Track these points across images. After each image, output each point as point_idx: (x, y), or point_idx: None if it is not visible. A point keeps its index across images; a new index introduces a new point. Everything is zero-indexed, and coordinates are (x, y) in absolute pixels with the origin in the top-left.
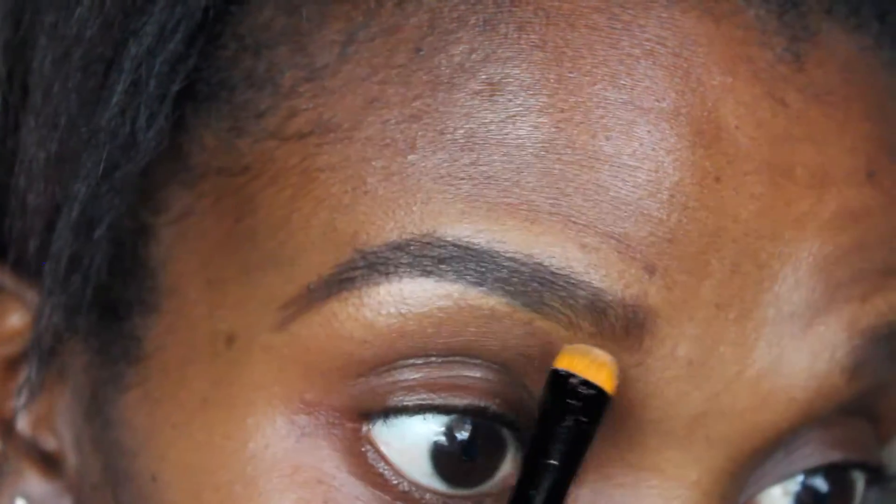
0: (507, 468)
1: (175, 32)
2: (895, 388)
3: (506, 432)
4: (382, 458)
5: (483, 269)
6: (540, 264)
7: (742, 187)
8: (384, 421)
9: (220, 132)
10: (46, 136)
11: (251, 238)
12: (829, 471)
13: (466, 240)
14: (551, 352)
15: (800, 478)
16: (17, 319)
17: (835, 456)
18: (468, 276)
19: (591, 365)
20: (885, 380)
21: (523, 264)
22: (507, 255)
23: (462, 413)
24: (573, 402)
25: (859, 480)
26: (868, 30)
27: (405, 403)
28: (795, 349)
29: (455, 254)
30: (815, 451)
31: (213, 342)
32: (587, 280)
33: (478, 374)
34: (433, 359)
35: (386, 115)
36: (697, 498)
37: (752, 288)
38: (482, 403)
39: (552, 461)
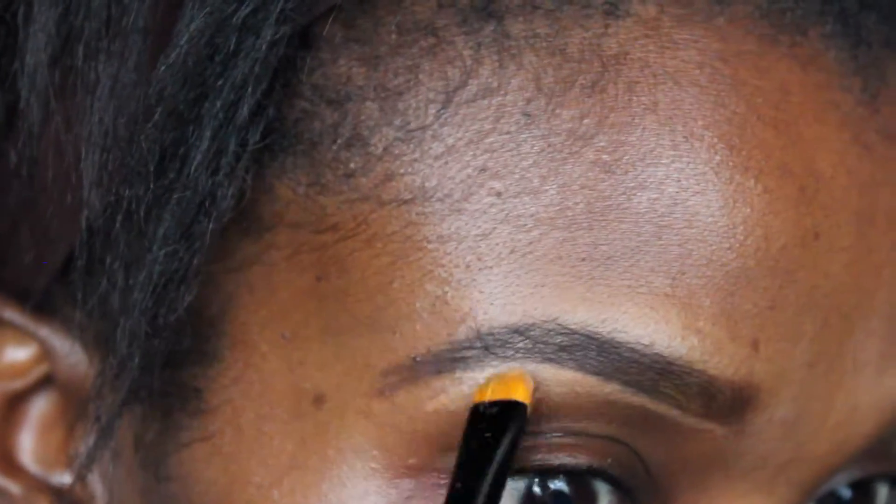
0: None
1: (257, 85)
2: None
3: (600, 485)
4: None
5: (603, 359)
6: (659, 355)
7: (836, 241)
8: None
9: (298, 186)
10: (114, 191)
11: (339, 298)
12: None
13: (590, 329)
14: (659, 426)
15: None
16: (23, 354)
17: (864, 470)
18: (587, 366)
19: (499, 386)
20: None
21: (643, 355)
22: (629, 345)
23: (583, 474)
24: (480, 425)
25: (883, 488)
26: None
27: (524, 464)
28: (867, 399)
29: (577, 342)
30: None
31: (297, 400)
32: (701, 368)
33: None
34: (548, 439)
35: (499, 187)
36: None
37: (836, 341)
38: (599, 465)
39: (459, 484)
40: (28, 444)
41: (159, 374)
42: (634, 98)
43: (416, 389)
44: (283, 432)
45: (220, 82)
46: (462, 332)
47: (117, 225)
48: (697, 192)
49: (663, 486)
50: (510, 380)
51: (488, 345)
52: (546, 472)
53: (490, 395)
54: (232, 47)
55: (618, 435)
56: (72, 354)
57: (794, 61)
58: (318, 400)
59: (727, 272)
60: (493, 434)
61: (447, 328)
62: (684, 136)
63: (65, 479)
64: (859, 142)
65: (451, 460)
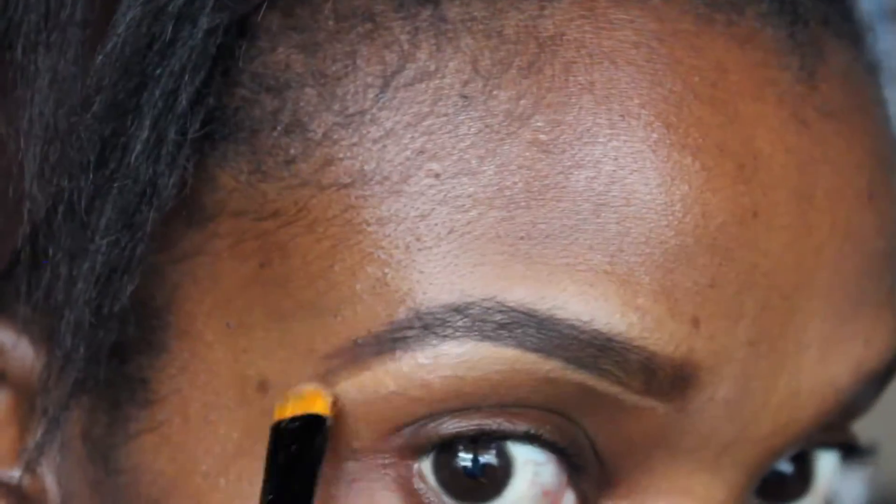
0: (521, 487)
1: (195, 73)
2: None
3: (512, 448)
4: (431, 490)
5: (543, 336)
6: (598, 331)
7: (774, 220)
8: (437, 457)
9: (239, 174)
10: (56, 183)
11: (282, 285)
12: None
13: (529, 306)
14: (599, 403)
15: None
16: None
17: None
18: (527, 343)
19: (298, 403)
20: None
21: (582, 332)
22: (568, 322)
23: (520, 438)
24: (283, 440)
25: (822, 458)
26: (855, 37)
27: (462, 431)
28: (809, 383)
29: (516, 319)
30: None
31: (241, 388)
32: (641, 345)
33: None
34: (486, 409)
35: (437, 168)
36: None
37: (778, 321)
38: (538, 430)
39: (270, 496)
40: None
41: (107, 365)
42: (571, 78)
43: (357, 372)
44: (228, 420)
45: (158, 71)
46: (402, 313)
47: (59, 217)
48: (635, 171)
49: (609, 467)
50: (308, 395)
51: (427, 324)
52: (478, 440)
53: (290, 412)
54: (168, 36)
55: (561, 410)
56: (19, 349)
57: (731, 40)
58: (263, 386)
59: (666, 249)
60: (298, 446)
61: (387, 309)
62: (621, 115)
63: (18, 475)
64: (798, 119)
65: (395, 441)
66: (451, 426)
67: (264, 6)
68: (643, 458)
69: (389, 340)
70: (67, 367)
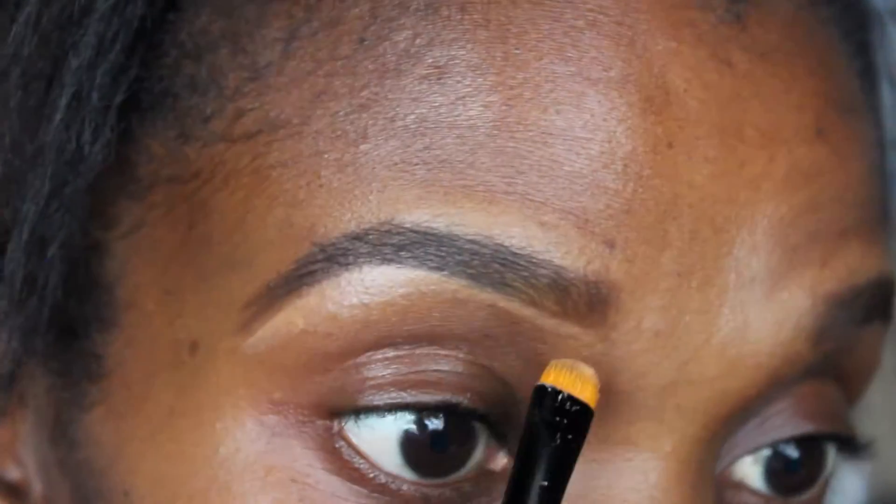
0: (479, 455)
1: (114, 43)
2: (859, 348)
3: (476, 423)
4: (357, 452)
5: (443, 254)
6: (501, 245)
7: (695, 152)
8: (355, 419)
9: (168, 141)
10: None
11: (206, 244)
12: (801, 440)
13: (425, 225)
14: (516, 331)
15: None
16: None
17: (806, 427)
18: (429, 262)
19: (576, 380)
20: (849, 341)
21: (484, 246)
22: (468, 237)
23: (434, 410)
24: (561, 419)
25: (831, 451)
26: None
27: (375, 403)
28: (759, 316)
29: (415, 240)
30: (786, 423)
31: (175, 352)
32: (548, 258)
33: (447, 368)
34: (400, 351)
35: (334, 107)
36: (674, 467)
37: (711, 254)
38: (454, 399)
39: (543, 482)
40: None
41: (66, 343)
42: (467, 16)
43: (271, 316)
44: (164, 385)
45: (74, 40)
46: (305, 249)
47: None
48: (530, 98)
49: None
50: (583, 378)
51: (330, 255)
52: (397, 409)
53: (564, 384)
54: (83, 4)
55: (477, 353)
56: None
57: None
58: (193, 347)
59: (569, 172)
60: (574, 437)
61: (294, 249)
62: (516, 48)
63: (13, 473)
64: (719, 58)
65: (313, 393)
66: (369, 397)
67: None
68: None
69: (296, 278)
70: (6, 336)
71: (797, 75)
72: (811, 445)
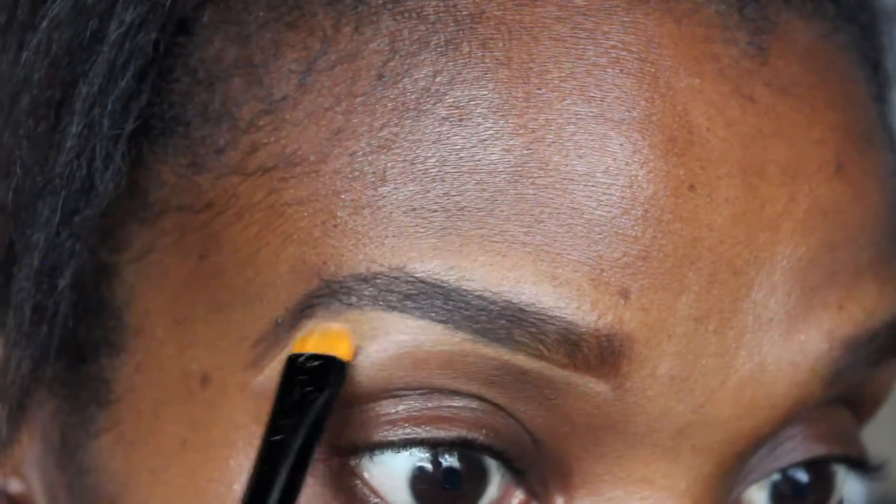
0: (493, 493)
1: (125, 70)
2: (872, 384)
3: (490, 460)
4: (372, 491)
5: (450, 308)
6: (509, 301)
7: (716, 193)
8: (370, 456)
9: (179, 168)
10: None
11: (218, 276)
12: (811, 463)
13: (436, 277)
14: (525, 380)
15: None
16: None
17: (817, 450)
18: (433, 314)
19: (321, 340)
20: (862, 380)
21: (492, 302)
22: (476, 292)
23: (449, 446)
24: (300, 377)
25: (840, 472)
26: (825, 14)
27: (390, 439)
28: (776, 357)
29: (422, 290)
30: (797, 447)
31: (186, 383)
32: (558, 314)
33: (460, 404)
34: (411, 390)
35: (353, 146)
36: None
37: (730, 297)
38: (469, 436)
39: (278, 436)
40: None
41: (73, 366)
42: (488, 54)
43: (279, 353)
44: (175, 416)
45: (86, 67)
46: (313, 285)
47: (6, 215)
48: (553, 142)
49: (554, 456)
50: (333, 334)
51: (334, 291)
52: (413, 445)
53: (312, 348)
54: (92, 32)
55: (486, 395)
56: None
57: (666, 15)
58: (205, 380)
59: (588, 220)
60: (315, 388)
61: (304, 286)
62: (538, 88)
63: (15, 486)
64: (742, 94)
65: (326, 435)
66: (384, 433)
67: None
68: (591, 443)
69: (300, 312)
70: (15, 364)
71: (818, 108)
72: (821, 468)
